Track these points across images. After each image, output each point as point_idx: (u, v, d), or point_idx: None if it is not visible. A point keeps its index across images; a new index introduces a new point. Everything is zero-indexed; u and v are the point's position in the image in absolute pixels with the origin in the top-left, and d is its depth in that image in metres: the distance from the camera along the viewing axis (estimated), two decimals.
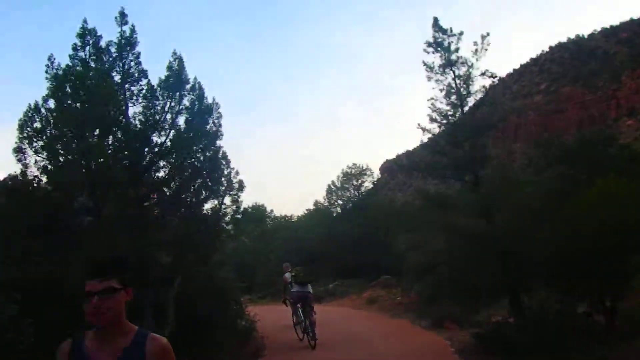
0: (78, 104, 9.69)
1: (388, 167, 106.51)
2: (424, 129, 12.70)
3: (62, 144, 9.46)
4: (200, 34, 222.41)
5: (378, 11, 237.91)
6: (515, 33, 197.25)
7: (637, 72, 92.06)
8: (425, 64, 12.83)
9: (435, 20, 12.75)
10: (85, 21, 10.33)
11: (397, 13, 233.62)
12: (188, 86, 10.83)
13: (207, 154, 11.16)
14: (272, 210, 53.66)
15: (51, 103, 9.70)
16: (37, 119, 9.46)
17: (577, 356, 9.03)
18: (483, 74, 12.39)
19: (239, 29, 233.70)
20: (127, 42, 10.43)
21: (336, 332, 15.32)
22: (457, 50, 12.58)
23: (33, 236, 8.75)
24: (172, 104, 10.56)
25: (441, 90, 12.62)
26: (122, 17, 10.48)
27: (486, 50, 12.34)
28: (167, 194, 10.78)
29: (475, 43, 12.35)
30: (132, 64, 10.45)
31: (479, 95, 12.51)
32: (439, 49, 12.60)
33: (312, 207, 46.09)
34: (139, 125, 10.35)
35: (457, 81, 12.57)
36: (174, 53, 10.77)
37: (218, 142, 11.43)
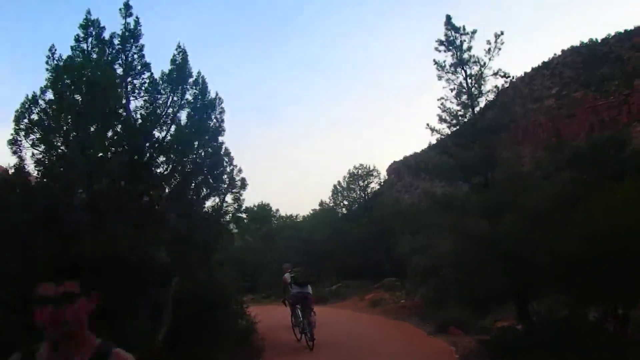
0: (78, 97, 9.47)
1: (395, 169, 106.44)
2: (432, 129, 12.43)
3: (60, 137, 9.24)
4: (204, 35, 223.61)
5: (388, 11, 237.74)
6: (527, 36, 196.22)
7: None
8: (436, 63, 12.56)
9: (448, 18, 12.46)
10: (88, 12, 10.07)
11: (408, 13, 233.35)
12: (191, 80, 10.60)
13: (209, 150, 10.92)
14: (277, 210, 53.54)
15: (50, 95, 9.47)
16: (35, 111, 9.22)
17: None
18: (495, 73, 12.09)
19: (242, 29, 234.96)
20: (131, 35, 10.16)
21: (337, 335, 15.18)
22: (469, 49, 12.31)
23: (31, 231, 8.51)
24: (175, 98, 10.34)
25: (452, 90, 12.35)
26: (127, 9, 10.22)
27: (499, 49, 12.06)
28: (167, 190, 10.54)
29: (488, 42, 12.06)
30: (135, 56, 10.20)
31: (491, 96, 12.23)
32: (450, 47, 12.31)
33: (317, 207, 45.95)
34: (140, 120, 10.11)
35: (469, 80, 12.26)
36: (179, 46, 10.52)
37: (220, 139, 11.22)
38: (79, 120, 9.11)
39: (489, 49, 11.92)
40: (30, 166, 9.21)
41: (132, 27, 10.19)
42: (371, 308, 23.17)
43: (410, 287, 23.67)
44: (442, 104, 12.35)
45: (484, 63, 12.03)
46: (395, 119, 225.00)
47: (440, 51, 12.40)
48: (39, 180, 9.47)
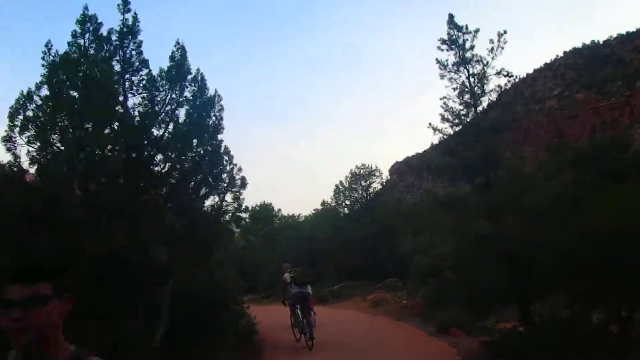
0: (75, 93, 9.36)
1: (397, 169, 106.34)
2: (435, 129, 12.31)
3: (55, 134, 9.11)
4: (206, 35, 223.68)
5: (389, 11, 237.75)
6: (529, 38, 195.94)
7: None
8: (438, 62, 12.44)
9: (451, 16, 12.35)
10: (86, 7, 9.96)
11: (409, 13, 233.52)
12: (190, 77, 10.46)
13: (208, 148, 10.78)
14: (279, 210, 53.45)
15: (45, 91, 9.36)
16: (30, 107, 9.10)
17: None
18: (499, 72, 11.96)
19: (244, 30, 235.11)
20: (129, 31, 10.03)
21: (338, 335, 15.18)
22: (472, 47, 12.19)
23: (27, 228, 8.39)
24: (173, 95, 10.21)
25: (454, 89, 12.23)
26: (125, 5, 10.10)
27: (502, 48, 11.94)
28: (165, 188, 10.39)
29: (491, 41, 11.94)
30: (134, 53, 10.07)
31: (494, 95, 12.08)
32: (453, 46, 12.19)
33: (319, 207, 45.86)
34: (138, 117, 9.98)
35: (472, 80, 12.13)
36: (177, 43, 10.39)
37: (219, 137, 11.09)
38: (75, 117, 9.00)
39: (492, 48, 11.83)
40: (25, 164, 9.12)
41: (130, 23, 10.07)
42: (373, 308, 23.10)
43: (412, 287, 23.58)
44: (444, 103, 12.27)
45: (487, 62, 11.94)
46: (397, 120, 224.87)
47: (442, 50, 12.32)
48: (37, 177, 9.36)
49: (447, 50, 12.26)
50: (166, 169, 10.32)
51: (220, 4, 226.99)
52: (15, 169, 9.06)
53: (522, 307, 11.37)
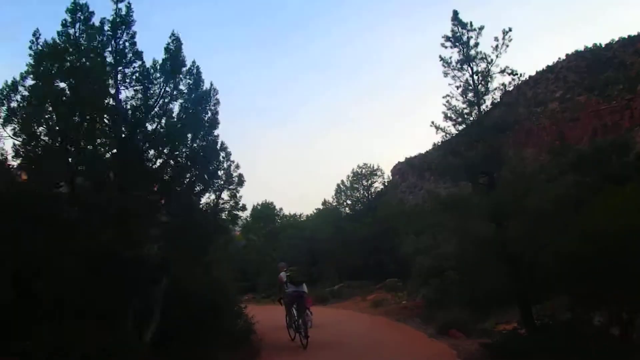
0: (62, 84, 9.07)
1: (399, 170, 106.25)
2: (437, 127, 12.11)
3: (42, 126, 8.81)
4: (210, 38, 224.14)
5: (391, 12, 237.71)
6: (532, 40, 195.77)
7: None
8: (442, 59, 12.18)
9: (455, 13, 12.14)
10: None
11: (411, 14, 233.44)
12: (185, 69, 10.15)
13: (204, 143, 10.53)
14: (281, 209, 53.37)
15: (31, 82, 9.01)
16: (14, 98, 8.74)
17: None
18: (503, 71, 11.72)
19: (247, 32, 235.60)
20: (122, 21, 9.66)
21: (337, 335, 15.21)
22: (476, 45, 11.95)
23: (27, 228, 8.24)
24: (167, 88, 9.91)
25: (457, 87, 12.01)
26: None
27: (507, 46, 11.72)
28: (159, 185, 10.11)
29: (495, 39, 11.77)
30: (127, 44, 9.70)
31: (498, 93, 11.87)
32: (457, 43, 11.98)
33: (321, 206, 45.72)
34: (130, 110, 9.66)
35: (475, 77, 11.95)
36: (172, 34, 10.08)
37: (216, 132, 10.84)
38: (61, 108, 8.68)
39: (496, 46, 11.62)
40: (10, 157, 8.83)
41: (123, 13, 9.71)
42: (373, 308, 23.03)
43: (413, 287, 23.52)
44: (447, 101, 12.05)
45: (491, 60, 11.70)
46: (399, 120, 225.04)
47: (446, 47, 12.08)
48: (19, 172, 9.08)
49: (451, 47, 12.05)
50: (158, 164, 10.11)
51: (222, 6, 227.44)
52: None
53: (524, 309, 11.30)
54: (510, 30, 11.81)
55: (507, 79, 11.82)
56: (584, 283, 9.69)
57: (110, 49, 9.63)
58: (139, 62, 9.72)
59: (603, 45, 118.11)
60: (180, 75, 10.06)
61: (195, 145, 10.44)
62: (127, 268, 8.66)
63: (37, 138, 8.75)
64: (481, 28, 11.90)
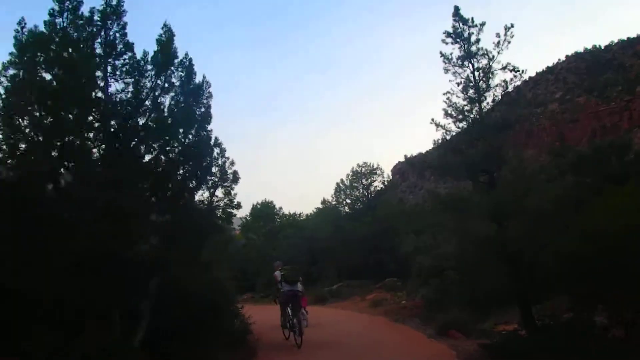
0: (47, 75, 8.75)
1: (400, 169, 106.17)
2: (437, 125, 12.00)
3: (25, 119, 8.50)
4: (213, 39, 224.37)
5: (392, 11, 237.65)
6: (532, 42, 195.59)
7: None
8: (442, 55, 12.05)
9: (456, 9, 12.00)
10: None
11: (412, 14, 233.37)
12: (176, 61, 9.84)
13: (196, 138, 10.28)
14: (280, 208, 53.30)
15: (16, 73, 8.68)
16: None
17: None
18: (504, 67, 11.61)
19: (249, 34, 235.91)
20: (113, 11, 9.30)
21: (336, 335, 15.10)
22: (477, 41, 11.81)
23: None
24: (159, 81, 9.60)
25: (458, 84, 11.86)
26: None
27: (509, 42, 11.60)
28: (150, 181, 9.82)
29: (497, 35, 11.65)
30: (117, 35, 9.35)
31: (499, 90, 11.75)
32: (458, 39, 11.84)
33: (320, 205, 45.64)
34: (119, 103, 9.36)
35: (476, 74, 11.82)
36: (165, 25, 9.73)
37: (209, 127, 10.59)
38: (44, 99, 8.38)
39: (498, 42, 11.50)
40: None
41: (114, 2, 9.38)
42: (372, 308, 22.90)
43: (412, 287, 23.44)
44: (447, 98, 11.93)
45: (493, 56, 11.58)
46: (399, 120, 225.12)
47: (447, 43, 11.91)
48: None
49: (452, 43, 11.89)
50: (149, 160, 9.84)
51: (222, 6, 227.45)
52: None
53: (524, 309, 11.24)
54: (512, 26, 11.67)
55: (508, 75, 11.71)
56: (584, 283, 9.62)
57: (100, 40, 9.30)
58: (130, 54, 9.43)
59: (602, 47, 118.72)
60: (172, 68, 9.77)
61: (187, 140, 10.19)
62: (117, 267, 8.46)
63: (20, 130, 8.45)
64: (482, 24, 11.76)
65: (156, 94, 9.60)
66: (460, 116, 11.86)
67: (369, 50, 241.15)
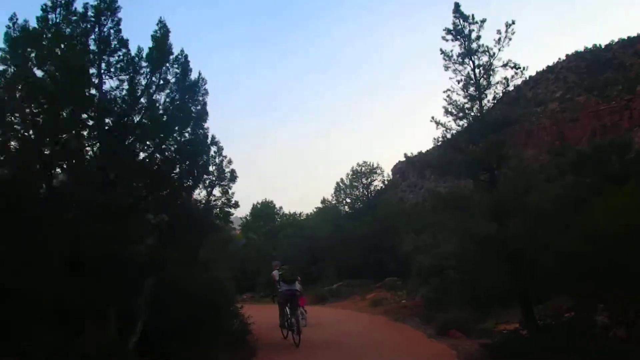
0: (41, 72, 8.62)
1: (400, 169, 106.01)
2: (437, 123, 11.87)
3: (15, 116, 8.36)
4: (215, 40, 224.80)
5: (393, 11, 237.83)
6: (532, 41, 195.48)
7: None
8: (442, 52, 11.90)
9: (457, 5, 11.86)
10: None
11: (413, 14, 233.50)
12: (172, 57, 9.69)
13: (192, 136, 10.16)
14: (281, 207, 53.21)
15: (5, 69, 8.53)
16: None
17: None
18: (505, 64, 11.47)
19: (250, 34, 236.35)
20: (107, 7, 9.17)
21: (335, 335, 14.97)
22: (478, 38, 11.68)
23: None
24: (154, 78, 9.46)
25: (459, 82, 11.72)
26: None
27: (510, 39, 11.46)
28: (146, 180, 9.68)
29: (498, 31, 11.50)
30: (112, 31, 9.20)
31: (500, 88, 11.61)
32: (458, 37, 11.69)
33: (320, 204, 45.53)
34: (114, 101, 9.23)
35: (477, 71, 11.68)
36: (160, 21, 9.60)
37: (205, 125, 10.47)
38: (38, 97, 8.25)
39: (499, 39, 11.36)
40: None
41: None
42: (372, 308, 22.79)
43: (412, 287, 23.33)
44: (448, 95, 11.78)
45: (494, 53, 11.46)
46: (399, 120, 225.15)
47: (447, 40, 11.77)
48: None
49: (452, 40, 11.71)
50: (145, 158, 9.71)
51: (222, 7, 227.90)
52: None
53: (525, 309, 11.12)
54: (513, 23, 11.48)
55: (509, 72, 11.57)
56: (585, 283, 9.53)
57: (93, 36, 9.16)
58: (124, 50, 9.28)
59: (603, 46, 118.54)
60: (167, 64, 9.63)
61: (183, 138, 10.07)
62: (113, 267, 8.34)
63: (10, 127, 8.31)
64: (483, 21, 11.57)
65: (151, 91, 9.45)
66: (461, 114, 11.72)
67: (369, 50, 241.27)
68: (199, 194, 10.93)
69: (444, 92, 11.98)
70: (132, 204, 9.41)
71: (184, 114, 9.86)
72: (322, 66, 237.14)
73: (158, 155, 9.82)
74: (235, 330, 12.90)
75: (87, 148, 9.12)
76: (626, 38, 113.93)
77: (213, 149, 10.75)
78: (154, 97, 9.58)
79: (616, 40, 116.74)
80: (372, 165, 41.72)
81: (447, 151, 12.15)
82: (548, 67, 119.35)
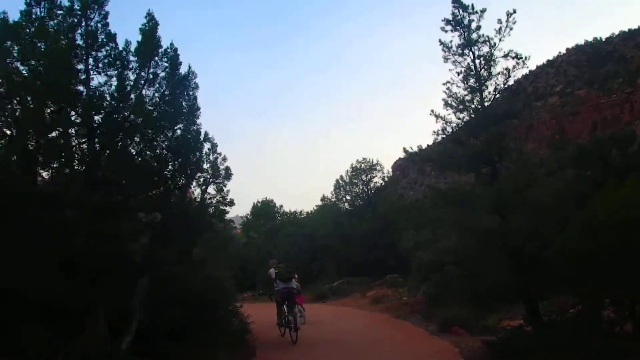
0: (24, 67, 8.35)
1: (400, 166, 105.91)
2: (437, 116, 11.60)
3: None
4: (216, 41, 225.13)
5: (394, 10, 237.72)
6: (532, 34, 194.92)
7: None
8: (441, 43, 11.63)
9: None
10: None
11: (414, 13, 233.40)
12: (160, 51, 9.34)
13: (185, 133, 9.88)
14: (281, 206, 53.12)
15: None
16: None
17: None
18: (507, 55, 11.18)
19: (251, 35, 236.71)
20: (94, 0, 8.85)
21: (335, 333, 14.91)
22: (478, 28, 11.39)
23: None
24: (143, 73, 9.15)
25: (458, 73, 11.45)
26: None
27: (511, 29, 11.15)
28: (137, 178, 9.33)
29: (499, 21, 11.21)
30: (99, 25, 8.88)
31: (501, 79, 11.31)
32: (458, 27, 11.41)
33: (320, 202, 45.35)
34: (102, 97, 8.93)
35: (477, 62, 11.40)
36: (148, 13, 9.23)
37: (198, 121, 10.18)
38: (20, 92, 8.00)
39: (500, 29, 11.07)
40: None
41: None
42: (372, 305, 22.68)
43: (413, 283, 23.14)
44: (447, 88, 11.53)
45: (494, 43, 11.15)
46: (399, 120, 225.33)
47: (446, 31, 11.49)
48: None
49: (452, 31, 11.41)
50: (133, 155, 9.46)
51: (222, 7, 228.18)
52: None
53: (530, 305, 10.86)
54: (514, 11, 11.21)
55: (510, 63, 11.27)
56: (587, 279, 9.33)
57: (80, 31, 8.84)
58: (112, 45, 8.98)
59: (603, 39, 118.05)
60: (157, 58, 9.30)
61: (175, 134, 9.81)
62: (105, 266, 8.14)
63: None
64: (483, 11, 11.28)
65: (140, 85, 9.18)
66: (461, 106, 11.48)
67: (369, 50, 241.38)
68: (193, 192, 10.73)
69: (443, 84, 11.75)
70: (123, 202, 9.14)
71: (175, 109, 9.57)
72: (322, 66, 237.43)
73: (149, 152, 9.56)
74: (235, 329, 12.79)
75: (75, 146, 8.87)
76: (627, 30, 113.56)
77: (207, 145, 10.48)
78: (143, 92, 9.31)
79: (617, 32, 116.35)
80: (372, 161, 41.47)
81: (448, 145, 11.90)
82: (548, 61, 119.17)
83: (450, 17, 11.54)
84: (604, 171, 18.97)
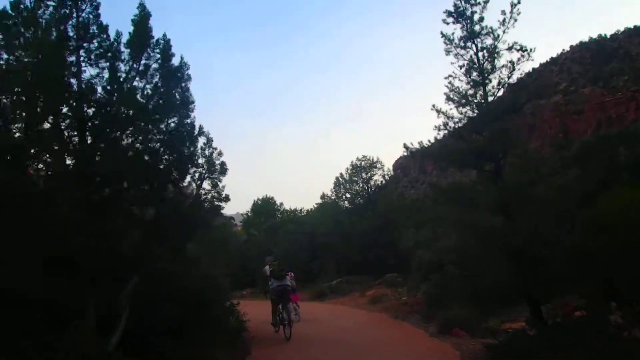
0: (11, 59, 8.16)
1: (401, 164, 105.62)
2: (439, 111, 11.29)
3: None
4: (217, 42, 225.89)
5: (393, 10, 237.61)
6: (535, 31, 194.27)
7: None
8: (443, 35, 11.30)
9: None
10: None
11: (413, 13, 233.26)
12: (152, 42, 9.15)
13: (179, 126, 9.69)
14: (281, 204, 52.94)
15: None
16: None
17: None
18: (511, 47, 10.86)
19: (251, 36, 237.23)
20: None
21: (333, 332, 14.85)
22: (481, 20, 11.06)
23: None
24: (135, 64, 8.97)
25: (461, 67, 11.14)
26: None
27: (515, 20, 10.81)
28: (130, 172, 9.02)
29: (503, 12, 10.87)
30: (91, 16, 8.68)
31: (505, 72, 10.98)
32: (460, 19, 11.09)
33: (320, 200, 45.16)
34: (94, 90, 8.72)
35: (481, 55, 11.08)
36: (140, 4, 9.07)
37: (192, 114, 10.01)
38: (6, 84, 7.82)
39: (504, 20, 10.72)
40: None
41: None
42: (371, 305, 22.46)
43: (413, 283, 22.90)
44: (449, 82, 11.24)
45: (498, 35, 10.82)
46: (399, 120, 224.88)
47: (448, 23, 11.18)
48: None
49: (454, 23, 11.10)
50: (125, 149, 9.25)
51: (222, 6, 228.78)
52: None
53: (532, 307, 10.59)
54: (519, 1, 10.89)
55: (515, 55, 10.94)
56: (591, 280, 9.09)
57: (71, 22, 8.62)
58: (104, 36, 8.78)
59: (608, 36, 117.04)
60: (149, 49, 9.11)
61: (169, 127, 9.58)
62: (95, 262, 7.89)
63: None
64: (486, 2, 10.97)
65: (130, 76, 8.99)
66: (463, 100, 11.16)
67: (369, 50, 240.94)
68: (188, 187, 10.61)
69: (445, 78, 11.43)
70: (115, 197, 8.98)
71: (168, 100, 9.37)
72: (322, 66, 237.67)
73: (142, 146, 9.35)
74: (231, 328, 12.74)
75: (66, 139, 8.68)
76: (632, 27, 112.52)
77: (202, 140, 10.34)
78: (135, 84, 9.13)
79: (622, 29, 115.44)
80: (372, 159, 41.18)
81: (449, 140, 11.59)
82: (552, 58, 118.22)
83: (452, 9, 11.23)
84: (609, 170, 18.72)
